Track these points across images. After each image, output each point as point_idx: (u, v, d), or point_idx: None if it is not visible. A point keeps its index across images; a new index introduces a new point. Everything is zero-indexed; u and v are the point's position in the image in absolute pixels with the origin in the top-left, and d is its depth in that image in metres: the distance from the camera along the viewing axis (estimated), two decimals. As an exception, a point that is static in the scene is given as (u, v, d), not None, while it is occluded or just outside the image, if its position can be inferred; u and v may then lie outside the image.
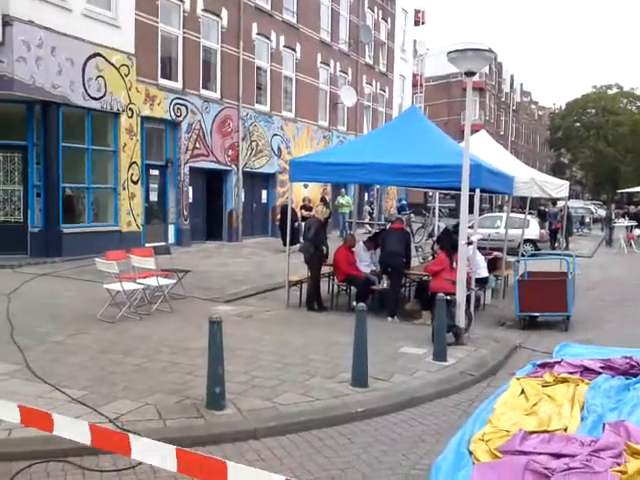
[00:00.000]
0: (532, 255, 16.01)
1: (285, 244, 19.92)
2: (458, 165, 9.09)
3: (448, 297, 8.50)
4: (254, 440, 5.33)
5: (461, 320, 8.67)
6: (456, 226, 15.85)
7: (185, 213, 19.81)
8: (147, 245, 17.57)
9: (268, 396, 6.11)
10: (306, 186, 26.78)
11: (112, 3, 16.72)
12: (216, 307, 10.92)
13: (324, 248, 11.22)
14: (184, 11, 19.30)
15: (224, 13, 20.99)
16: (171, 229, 19.54)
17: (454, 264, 10.28)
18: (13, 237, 15.26)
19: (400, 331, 9.45)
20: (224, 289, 12.78)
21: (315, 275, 11.09)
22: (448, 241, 10.70)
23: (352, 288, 11.58)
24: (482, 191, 10.71)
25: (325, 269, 11.76)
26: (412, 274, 11.27)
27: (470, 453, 4.94)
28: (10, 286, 11.79)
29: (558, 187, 14.34)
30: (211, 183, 21.53)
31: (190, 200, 20.12)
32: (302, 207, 21.48)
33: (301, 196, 23.48)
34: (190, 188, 20.07)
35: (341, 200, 25.91)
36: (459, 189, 9.23)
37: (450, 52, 8.60)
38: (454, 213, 30.42)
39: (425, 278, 10.76)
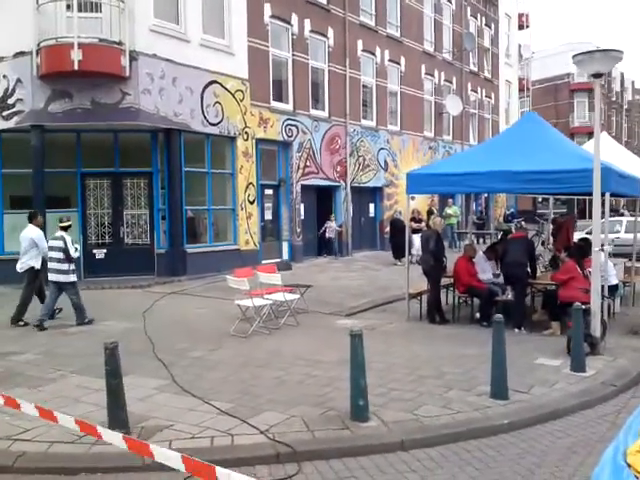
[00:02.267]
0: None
1: (397, 257, 20.05)
2: (585, 169, 8.87)
3: (583, 306, 8.27)
4: (402, 452, 5.39)
5: (597, 329, 8.38)
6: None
7: (298, 230, 20.25)
8: (264, 262, 18.15)
9: (409, 408, 6.17)
10: (413, 198, 26.64)
11: (226, 31, 17.49)
12: (339, 321, 11.12)
13: (444, 259, 11.16)
14: (292, 34, 19.87)
15: (330, 33, 21.43)
16: (285, 246, 20.02)
17: (584, 271, 10.02)
18: (141, 258, 16.17)
19: (530, 342, 9.23)
20: (342, 303, 12.94)
21: (436, 287, 11.04)
22: (575, 249, 10.39)
23: (474, 299, 11.44)
24: (612, 195, 10.34)
25: (444, 280, 11.68)
26: (538, 283, 10.99)
27: (629, 466, 4.77)
28: (143, 305, 12.50)
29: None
30: (321, 199, 21.91)
31: (302, 217, 20.56)
32: (411, 219, 21.36)
33: (408, 208, 23.46)
34: (302, 205, 20.52)
35: (449, 211, 25.55)
36: (584, 194, 8.99)
37: (576, 55, 8.38)
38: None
39: (550, 287, 10.48)
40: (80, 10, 14.58)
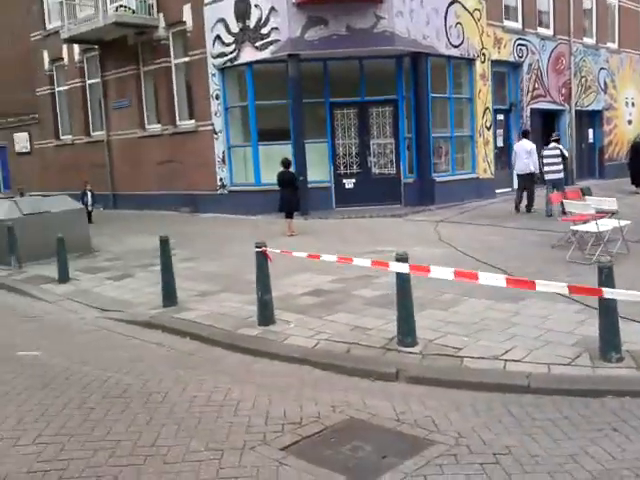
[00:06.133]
0: None
1: (638, 184, 18.64)
2: None
3: None
4: None
5: None
6: None
7: (526, 158, 19.26)
8: (497, 191, 17.54)
9: None
10: (630, 122, 24.87)
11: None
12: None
13: None
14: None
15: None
16: (514, 175, 19.14)
17: None
18: (388, 188, 16.00)
19: None
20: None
21: None
22: None
23: None
24: None
25: None
26: None
27: None
28: (424, 233, 12.43)
29: None
30: (545, 124, 20.70)
31: (531, 144, 19.53)
32: (649, 144, 19.75)
33: (625, 136, 21.91)
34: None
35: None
36: None
37: None
38: None
39: None
40: None
